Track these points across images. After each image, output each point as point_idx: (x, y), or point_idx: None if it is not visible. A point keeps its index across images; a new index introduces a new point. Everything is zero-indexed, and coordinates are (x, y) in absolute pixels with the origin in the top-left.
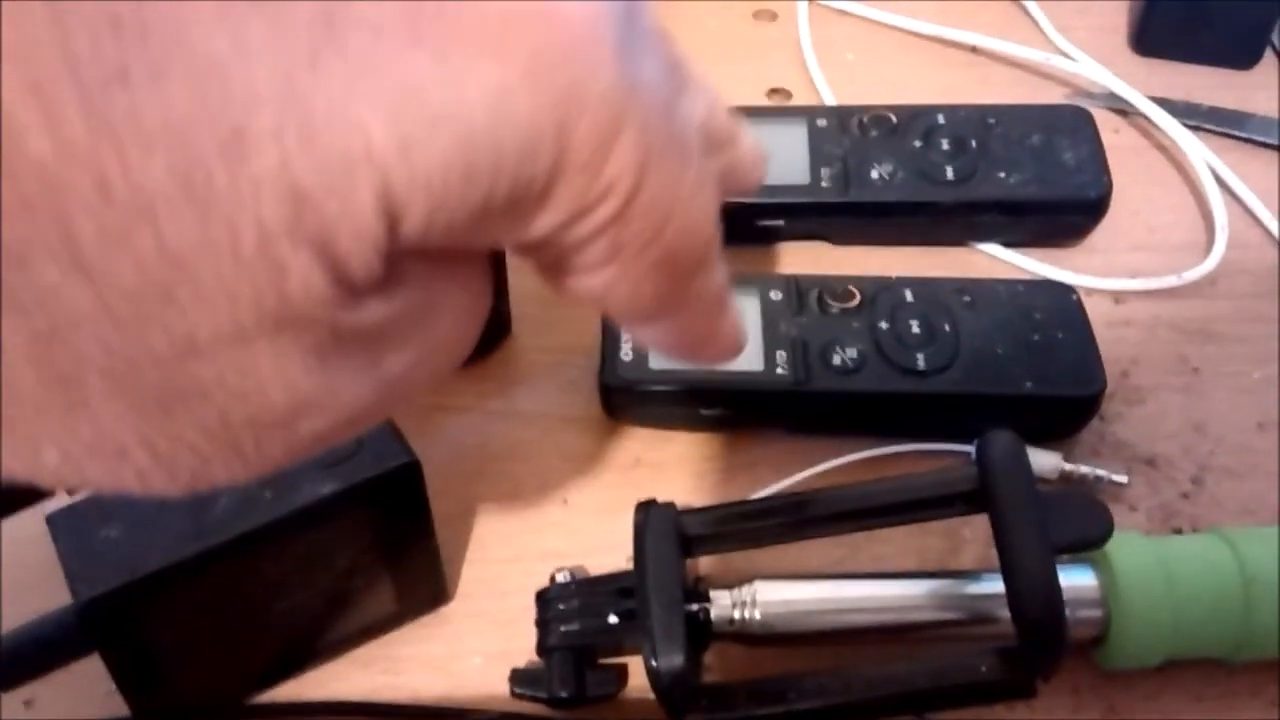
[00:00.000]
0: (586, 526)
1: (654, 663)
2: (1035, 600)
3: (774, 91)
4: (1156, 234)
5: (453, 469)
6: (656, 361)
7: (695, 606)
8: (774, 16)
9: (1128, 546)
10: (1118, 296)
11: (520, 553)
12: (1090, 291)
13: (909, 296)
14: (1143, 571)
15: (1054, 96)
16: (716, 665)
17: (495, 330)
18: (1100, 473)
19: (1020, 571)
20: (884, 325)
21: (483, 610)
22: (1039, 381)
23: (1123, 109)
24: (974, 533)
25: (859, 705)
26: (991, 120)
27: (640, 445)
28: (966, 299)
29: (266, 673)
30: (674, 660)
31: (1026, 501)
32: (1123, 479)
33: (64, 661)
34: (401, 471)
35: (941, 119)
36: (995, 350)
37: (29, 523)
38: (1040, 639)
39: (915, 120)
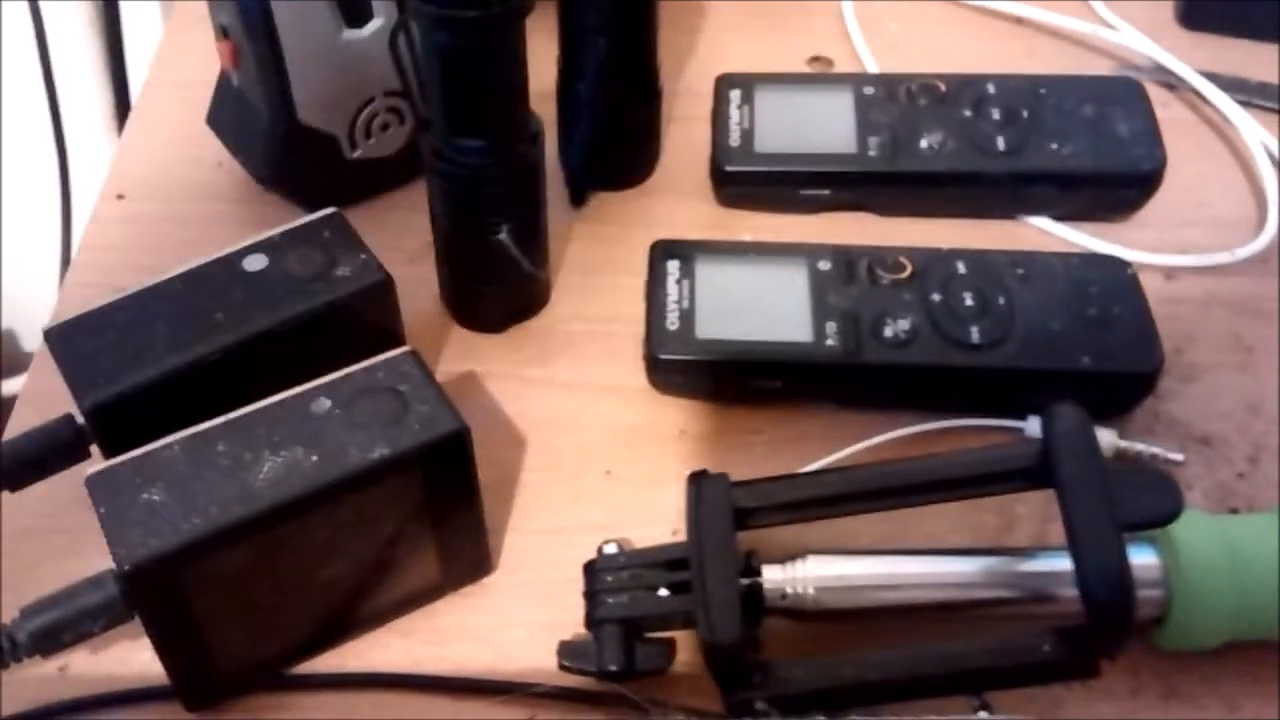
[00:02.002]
0: (630, 498)
1: (709, 636)
2: (1105, 579)
3: (815, 59)
4: (1207, 209)
5: (492, 437)
6: (703, 331)
7: (747, 581)
8: None
9: (1191, 525)
10: (1169, 273)
11: (563, 524)
12: (1141, 267)
13: (961, 268)
14: (1206, 551)
15: (1100, 69)
16: (765, 641)
17: (533, 297)
18: (1156, 450)
19: (1089, 549)
20: (936, 297)
21: (526, 582)
22: (1096, 357)
23: (1170, 83)
24: (1028, 509)
25: (915, 683)
26: (1043, 91)
27: (684, 416)
28: (1020, 272)
29: (307, 642)
30: (730, 633)
31: (1095, 478)
32: (1179, 457)
33: (103, 628)
34: (451, 438)
35: (992, 89)
36: (1051, 324)
37: (66, 485)
38: (1109, 619)
39: (965, 90)
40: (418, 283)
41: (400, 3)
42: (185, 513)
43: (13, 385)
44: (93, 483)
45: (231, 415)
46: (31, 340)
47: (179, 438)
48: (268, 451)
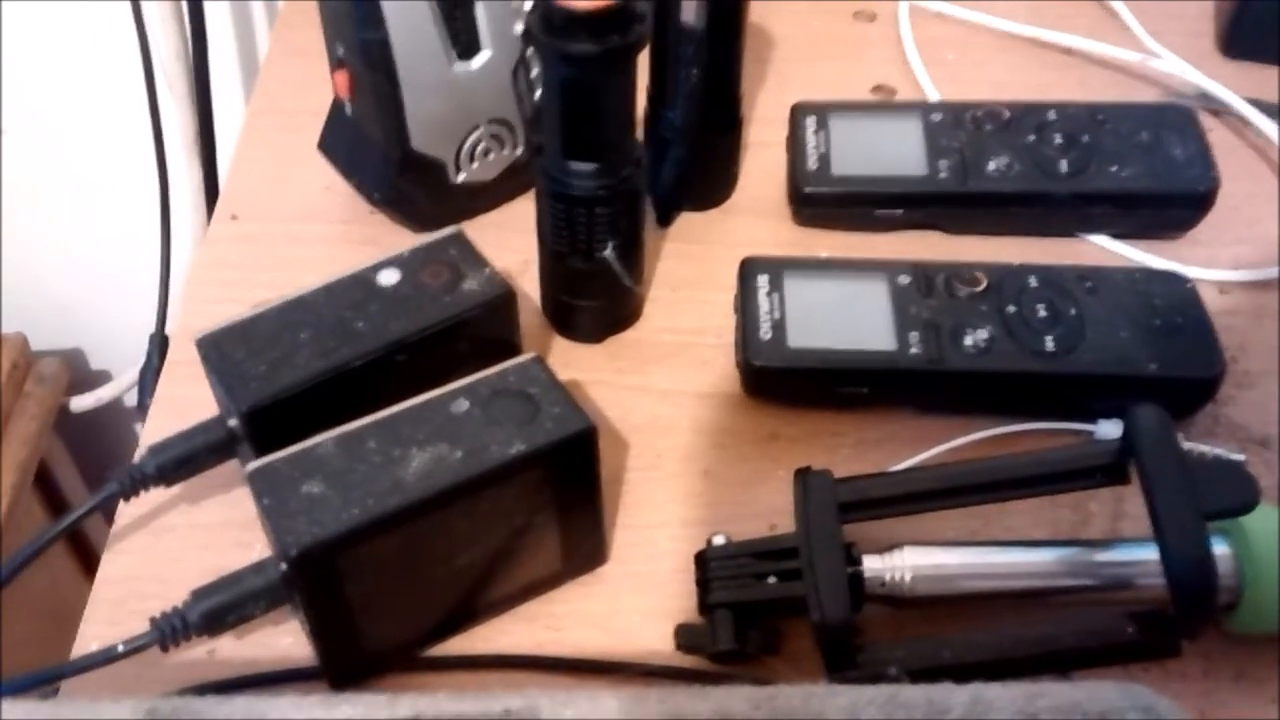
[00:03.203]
0: (727, 496)
1: (821, 617)
2: (1190, 563)
3: (878, 88)
4: (1256, 228)
5: (599, 440)
6: (795, 341)
7: (850, 569)
8: (873, 17)
9: (1261, 517)
10: (1222, 287)
11: (667, 519)
12: (1196, 282)
13: (1033, 282)
14: (1275, 541)
15: (1146, 97)
16: (862, 627)
17: (630, 310)
18: (1218, 451)
19: (1174, 536)
20: (1011, 309)
21: (637, 572)
22: (1163, 363)
23: (1214, 109)
24: (1100, 506)
25: (1009, 663)
26: (1100, 117)
27: (775, 421)
28: (1088, 285)
29: (440, 626)
30: (840, 612)
31: (1177, 470)
32: (1240, 458)
33: (263, 611)
34: (580, 436)
35: (1053, 115)
36: (1119, 334)
37: (202, 485)
38: (1193, 600)
39: (1027, 116)
40: (518, 297)
41: (524, 37)
42: (344, 502)
43: (82, 402)
44: (255, 476)
45: (378, 415)
46: (99, 359)
47: (332, 435)
48: (415, 448)
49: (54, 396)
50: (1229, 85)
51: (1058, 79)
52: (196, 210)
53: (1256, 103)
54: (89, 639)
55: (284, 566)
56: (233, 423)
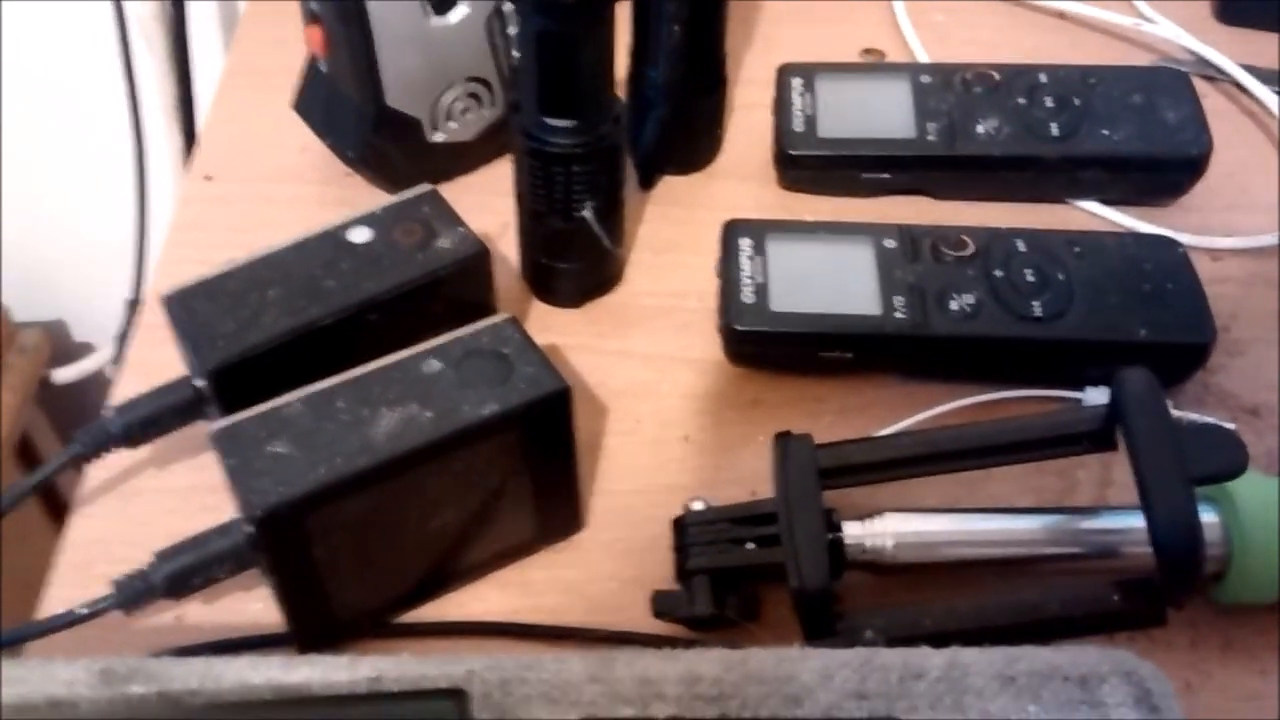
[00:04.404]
0: (708, 462)
1: (800, 583)
2: (1175, 528)
3: (867, 51)
4: (1249, 195)
5: (575, 404)
6: (778, 305)
7: (830, 535)
8: None
9: (1251, 485)
10: (1214, 254)
11: (645, 485)
12: (1188, 249)
13: (1021, 246)
14: (1265, 509)
15: (1140, 62)
16: (842, 595)
17: (610, 273)
18: (1208, 420)
19: (1160, 501)
20: (999, 273)
21: (614, 539)
22: (1153, 329)
23: (1209, 75)
24: (1088, 474)
25: (992, 632)
26: (1092, 80)
27: (757, 386)
28: (1077, 250)
29: (412, 592)
30: (819, 579)
31: (1164, 434)
32: (1230, 426)
33: (229, 574)
34: (555, 397)
35: (1044, 78)
36: (1108, 299)
37: (173, 448)
38: (1178, 567)
39: (1018, 78)
40: (496, 260)
41: None
42: (311, 463)
43: (64, 374)
44: (219, 436)
45: (348, 375)
46: (81, 331)
47: (300, 395)
48: (384, 408)
49: (35, 368)
50: (1224, 51)
51: (1050, 42)
52: (178, 175)
53: (1252, 69)
54: (54, 603)
55: (249, 528)
56: (199, 383)
